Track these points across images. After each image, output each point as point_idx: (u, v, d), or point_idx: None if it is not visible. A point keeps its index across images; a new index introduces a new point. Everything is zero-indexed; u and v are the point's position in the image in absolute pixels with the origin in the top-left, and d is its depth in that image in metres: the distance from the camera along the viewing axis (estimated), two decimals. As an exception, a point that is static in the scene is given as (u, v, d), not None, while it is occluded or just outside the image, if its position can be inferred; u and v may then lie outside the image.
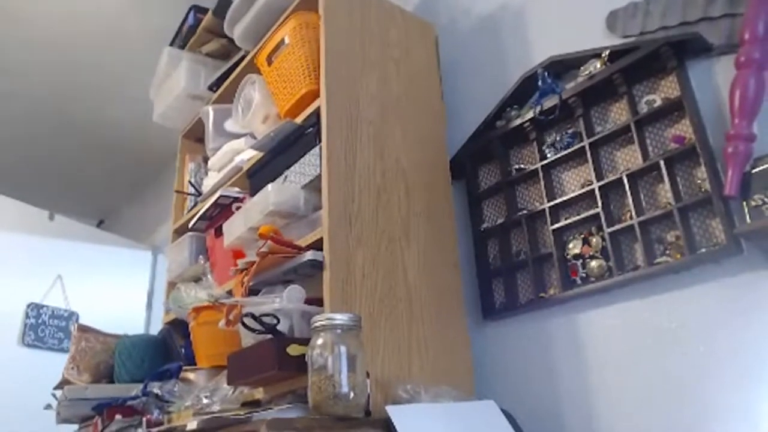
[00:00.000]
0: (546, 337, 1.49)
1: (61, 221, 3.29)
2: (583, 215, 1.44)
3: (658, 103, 1.36)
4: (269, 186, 1.47)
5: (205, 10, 2.15)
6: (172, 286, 2.00)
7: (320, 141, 1.44)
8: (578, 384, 1.39)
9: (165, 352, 1.89)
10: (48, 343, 3.00)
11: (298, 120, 1.55)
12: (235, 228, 1.59)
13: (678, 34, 1.33)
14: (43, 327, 3.02)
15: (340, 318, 1.14)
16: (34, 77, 2.97)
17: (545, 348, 1.48)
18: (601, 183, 1.42)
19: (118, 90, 3.10)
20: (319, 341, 1.13)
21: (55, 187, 3.95)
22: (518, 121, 1.60)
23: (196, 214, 1.89)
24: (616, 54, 1.43)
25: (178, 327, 1.90)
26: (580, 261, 1.43)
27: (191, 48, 2.20)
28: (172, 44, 2.27)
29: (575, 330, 1.43)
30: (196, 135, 2.26)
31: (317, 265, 1.33)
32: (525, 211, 1.57)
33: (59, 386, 1.83)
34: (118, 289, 3.47)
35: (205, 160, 2.12)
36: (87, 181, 3.95)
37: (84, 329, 1.90)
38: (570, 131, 1.53)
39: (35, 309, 3.01)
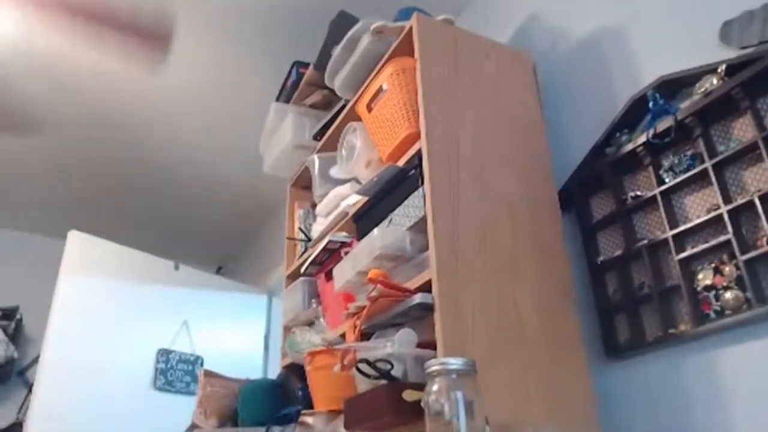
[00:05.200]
0: (679, 377, 1.36)
1: (185, 270, 3.52)
2: (711, 243, 1.33)
3: (790, 115, 1.24)
4: (375, 230, 1.49)
5: (306, 65, 2.26)
6: (287, 330, 2.06)
7: (423, 182, 1.44)
8: (716, 428, 1.26)
9: (284, 396, 1.94)
10: (176, 386, 3.18)
11: (400, 163, 1.56)
12: (344, 272, 1.62)
13: (807, 39, 1.22)
14: (172, 371, 3.21)
15: (454, 363, 1.11)
16: (156, 141, 3.25)
17: (678, 389, 1.36)
18: (730, 207, 1.30)
19: (229, 147, 3.32)
20: (435, 387, 1.10)
21: (178, 237, 4.26)
22: (630, 146, 1.52)
23: (306, 260, 1.95)
24: (733, 67, 1.33)
25: (295, 370, 1.95)
26: (713, 293, 1.31)
27: (295, 101, 2.31)
28: (277, 99, 2.40)
29: (712, 369, 1.30)
30: (303, 183, 2.35)
31: (427, 308, 1.31)
32: (645, 241, 1.47)
33: (189, 430, 1.93)
34: (237, 332, 3.64)
35: (313, 206, 2.19)
36: (206, 230, 4.23)
37: (209, 375, 1.99)
38: (689, 153, 1.43)
39: (165, 354, 3.21)
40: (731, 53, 1.38)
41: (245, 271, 4.22)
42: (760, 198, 1.25)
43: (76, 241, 3.03)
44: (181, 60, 2.65)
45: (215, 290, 3.62)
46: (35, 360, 3.46)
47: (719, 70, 1.36)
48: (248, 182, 3.62)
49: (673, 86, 1.47)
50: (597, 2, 1.82)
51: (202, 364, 3.30)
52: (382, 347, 1.30)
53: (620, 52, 1.69)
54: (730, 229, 1.29)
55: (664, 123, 1.44)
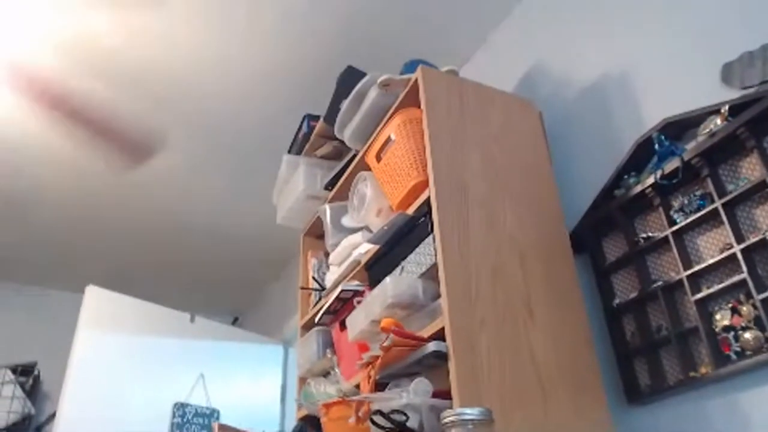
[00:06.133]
0: (702, 421, 1.33)
1: (201, 322, 3.53)
2: (727, 282, 1.31)
3: (797, 153, 1.24)
4: (387, 279, 1.49)
5: (316, 117, 2.31)
6: (302, 381, 2.04)
7: (432, 230, 1.45)
8: (750, 476, 1.22)
9: (300, 449, 1.90)
10: (193, 440, 3.14)
11: (410, 211, 1.58)
12: (357, 322, 1.61)
13: (807, 79, 1.23)
14: (188, 425, 3.17)
15: (470, 413, 1.09)
16: (171, 199, 3.32)
17: (704, 434, 1.32)
18: (743, 245, 1.29)
19: (242, 199, 3.38)
20: (451, 438, 1.09)
21: (194, 290, 4.28)
22: (639, 188, 1.53)
23: (320, 309, 1.95)
24: (736, 108, 1.34)
25: (311, 422, 1.92)
26: (732, 333, 1.29)
27: (307, 153, 2.36)
28: (289, 151, 2.45)
29: (735, 411, 1.27)
30: (316, 232, 2.37)
31: (441, 356, 1.30)
32: (660, 283, 1.46)
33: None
34: (254, 384, 3.61)
35: (326, 255, 2.21)
36: (221, 282, 4.25)
37: (224, 428, 1.97)
38: (698, 193, 1.43)
39: (181, 408, 3.18)
40: (733, 94, 1.40)
41: (261, 321, 4.21)
42: (774, 236, 1.24)
43: (93, 295, 3.06)
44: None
45: (231, 341, 3.61)
46: (52, 416, 3.44)
47: (722, 111, 1.37)
48: (262, 233, 3.65)
49: (677, 128, 1.48)
50: (598, 49, 1.86)
51: (218, 418, 3.27)
52: (397, 398, 1.29)
53: (623, 96, 1.72)
54: (744, 268, 1.28)
55: (671, 164, 1.45)
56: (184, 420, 3.16)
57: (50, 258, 3.86)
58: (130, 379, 3.04)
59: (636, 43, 1.73)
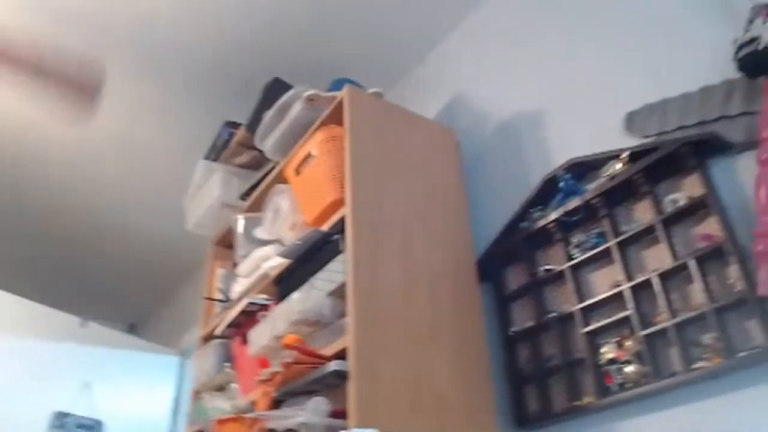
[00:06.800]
0: (585, 449, 1.40)
1: (93, 328, 3.32)
2: (614, 317, 1.40)
3: (683, 202, 1.35)
4: (294, 294, 1.48)
5: (237, 125, 2.27)
6: (197, 394, 1.97)
7: (345, 248, 1.46)
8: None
9: (188, 467, 1.82)
10: (72, 454, 2.93)
11: (325, 228, 1.58)
12: (260, 336, 1.58)
13: (697, 134, 1.35)
14: (69, 437, 2.96)
15: (366, 433, 1.10)
16: (65, 188, 3.11)
17: (585, 461, 1.39)
18: (632, 284, 1.39)
19: (148, 200, 3.23)
20: (344, 458, 1.08)
21: (88, 293, 4.03)
22: (542, 222, 1.61)
23: (223, 321, 1.89)
24: (636, 154, 1.45)
25: (202, 439, 1.85)
26: (615, 366, 1.37)
27: (224, 160, 2.31)
28: (206, 157, 2.39)
29: (616, 441, 1.35)
30: (226, 242, 2.31)
31: (343, 376, 1.30)
32: (555, 314, 1.54)
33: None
34: (145, 395, 3.43)
35: (235, 266, 2.15)
36: (119, 286, 4.03)
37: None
38: (596, 231, 1.52)
39: (60, 418, 2.97)
40: (634, 141, 1.51)
41: (159, 330, 4.03)
42: (658, 276, 1.34)
43: (-30, 292, 2.82)
44: (103, 109, 2.58)
45: (124, 350, 3.42)
46: None
47: (623, 156, 1.48)
48: (168, 238, 3.50)
49: (582, 168, 1.58)
50: (517, 87, 1.95)
51: (101, 430, 3.07)
52: (293, 416, 1.27)
53: (535, 134, 1.81)
54: (631, 305, 1.37)
55: (574, 202, 1.54)
56: (65, 431, 2.95)
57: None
58: (3, 383, 2.80)
59: (549, 85, 1.83)
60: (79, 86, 1.86)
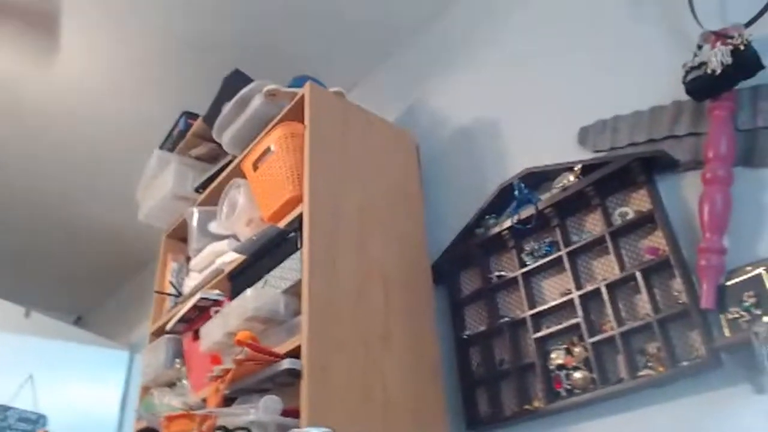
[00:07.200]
0: (531, 451, 1.43)
1: (37, 318, 3.21)
2: (564, 324, 1.44)
3: (631, 215, 1.40)
4: (248, 291, 1.46)
5: (195, 116, 2.23)
6: (146, 390, 1.93)
7: (301, 246, 1.45)
8: (565, 504, 1.33)
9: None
10: (11, 449, 2.83)
11: (281, 224, 1.57)
12: (212, 332, 1.56)
13: (646, 151, 1.40)
14: (9, 431, 2.86)
15: (315, 433, 1.10)
16: (12, 170, 2.98)
17: (530, 463, 1.42)
18: (581, 292, 1.43)
19: (99, 187, 3.12)
20: (293, 458, 1.08)
21: (34, 282, 3.88)
22: (497, 229, 1.64)
23: (174, 316, 1.86)
24: (588, 168, 1.49)
25: (149, 435, 1.81)
26: (564, 372, 1.41)
27: (180, 151, 2.26)
28: (162, 147, 2.33)
29: (561, 444, 1.39)
30: (180, 235, 2.27)
31: (295, 374, 1.29)
32: (507, 319, 1.57)
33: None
34: (92, 390, 3.34)
35: (188, 260, 2.12)
36: (66, 276, 3.89)
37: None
38: (548, 240, 1.56)
39: (2, 411, 2.86)
40: (586, 155, 1.55)
41: (107, 323, 3.92)
42: (607, 287, 1.38)
43: None
44: (48, 83, 2.46)
45: (70, 342, 3.32)
46: None
47: (575, 169, 1.52)
48: (119, 228, 3.39)
49: (536, 178, 1.62)
50: (476, 95, 1.98)
51: (44, 425, 2.97)
52: (244, 414, 1.26)
53: (492, 142, 1.84)
54: (580, 312, 1.41)
55: (528, 211, 1.57)
56: (5, 424, 2.85)
57: None
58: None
59: (508, 95, 1.86)
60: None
